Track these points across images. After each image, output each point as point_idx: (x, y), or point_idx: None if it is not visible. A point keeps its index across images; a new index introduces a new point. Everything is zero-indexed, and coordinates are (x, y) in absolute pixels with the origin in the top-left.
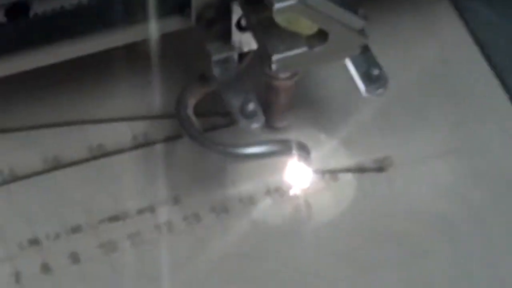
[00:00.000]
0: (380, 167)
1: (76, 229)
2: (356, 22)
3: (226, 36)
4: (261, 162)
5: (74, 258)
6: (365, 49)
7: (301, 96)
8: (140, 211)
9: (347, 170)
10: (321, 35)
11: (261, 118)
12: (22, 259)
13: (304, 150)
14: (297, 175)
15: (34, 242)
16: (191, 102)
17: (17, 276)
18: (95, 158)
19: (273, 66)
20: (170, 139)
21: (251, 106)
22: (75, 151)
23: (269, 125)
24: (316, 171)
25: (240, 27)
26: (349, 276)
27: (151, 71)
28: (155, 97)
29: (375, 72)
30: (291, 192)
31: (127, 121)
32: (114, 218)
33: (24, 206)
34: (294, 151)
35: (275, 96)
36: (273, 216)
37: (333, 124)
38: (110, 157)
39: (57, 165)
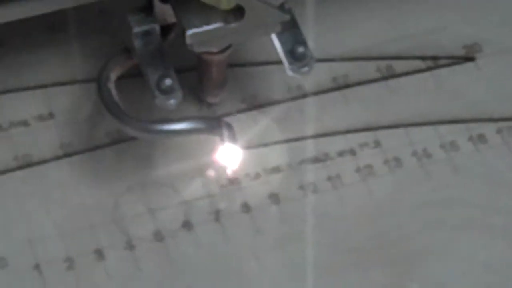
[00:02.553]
0: None
1: (276, 170)
2: None
3: (148, 8)
4: None
5: (274, 198)
6: (292, 26)
7: None
8: (341, 153)
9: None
10: (239, 11)
11: (179, 95)
12: (221, 197)
13: (229, 129)
14: (226, 155)
15: (234, 181)
16: (114, 75)
17: (217, 214)
18: (293, 98)
19: (188, 41)
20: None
21: (167, 82)
22: (274, 92)
23: (202, 100)
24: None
25: None
26: None
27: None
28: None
29: (300, 49)
30: None
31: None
32: (315, 160)
33: None
34: (222, 130)
35: (206, 70)
36: (476, 164)
37: None
38: (310, 98)
39: (256, 104)
